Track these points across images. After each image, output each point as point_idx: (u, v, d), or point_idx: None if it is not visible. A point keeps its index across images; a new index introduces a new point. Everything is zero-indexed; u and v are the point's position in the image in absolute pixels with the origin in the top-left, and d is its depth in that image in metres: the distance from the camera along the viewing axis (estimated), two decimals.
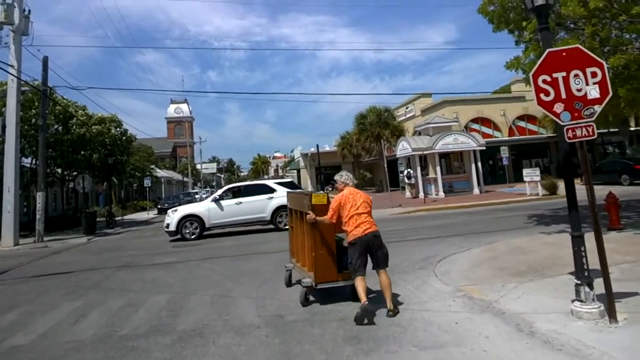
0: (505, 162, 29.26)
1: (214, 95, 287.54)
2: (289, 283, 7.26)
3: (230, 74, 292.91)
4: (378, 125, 37.02)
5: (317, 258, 5.94)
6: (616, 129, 34.09)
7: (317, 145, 35.07)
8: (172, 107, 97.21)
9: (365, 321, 5.00)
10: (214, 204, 15.75)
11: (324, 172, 50.94)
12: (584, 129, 4.63)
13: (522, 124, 36.40)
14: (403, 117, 41.31)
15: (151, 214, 35.89)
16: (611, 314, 4.44)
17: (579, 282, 4.69)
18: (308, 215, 5.91)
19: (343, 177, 6.02)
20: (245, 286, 7.48)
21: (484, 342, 4.24)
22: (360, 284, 5.32)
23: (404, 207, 21.23)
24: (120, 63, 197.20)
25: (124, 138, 27.07)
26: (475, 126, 34.69)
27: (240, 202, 15.80)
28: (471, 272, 7.57)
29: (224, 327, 5.19)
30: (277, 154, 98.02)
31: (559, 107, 4.72)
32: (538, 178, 21.83)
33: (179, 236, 15.33)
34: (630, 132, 30.72)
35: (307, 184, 50.50)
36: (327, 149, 51.69)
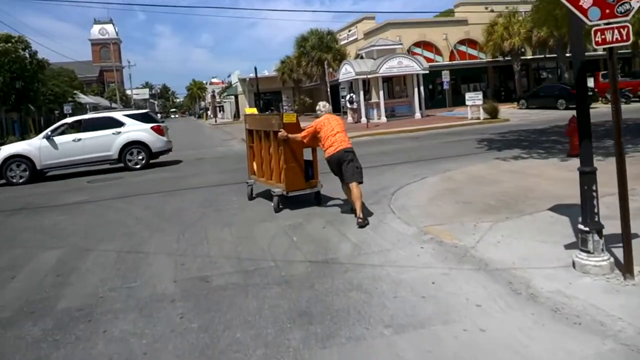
0: (446, 87, 28.72)
1: (141, 15, 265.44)
2: (251, 197, 7.93)
3: None
4: (320, 49, 34.70)
5: (288, 170, 6.70)
6: (553, 55, 34.20)
7: (255, 69, 32.00)
8: (96, 27, 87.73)
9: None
10: (45, 142, 13.07)
11: (264, 97, 48.51)
12: (616, 31, 3.40)
13: (463, 48, 35.60)
14: (345, 41, 39.17)
15: None
16: (629, 268, 3.52)
17: (586, 228, 3.69)
18: (280, 133, 6.50)
19: (322, 106, 6.77)
20: (165, 234, 6.08)
21: (477, 315, 3.19)
22: (346, 190, 6.34)
23: (347, 132, 20.08)
24: None
25: (34, 61, 23.38)
26: (418, 50, 33.46)
27: (80, 139, 13.23)
28: (433, 207, 6.59)
29: (125, 302, 3.81)
30: (214, 80, 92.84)
31: (587, 1, 3.43)
32: (480, 102, 21.24)
33: (3, 181, 12.71)
34: (567, 58, 30.69)
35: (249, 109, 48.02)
36: (267, 74, 48.88)
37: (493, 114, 20.97)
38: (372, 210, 6.60)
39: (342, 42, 38.51)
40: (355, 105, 25.08)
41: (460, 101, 32.89)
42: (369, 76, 23.01)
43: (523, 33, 30.40)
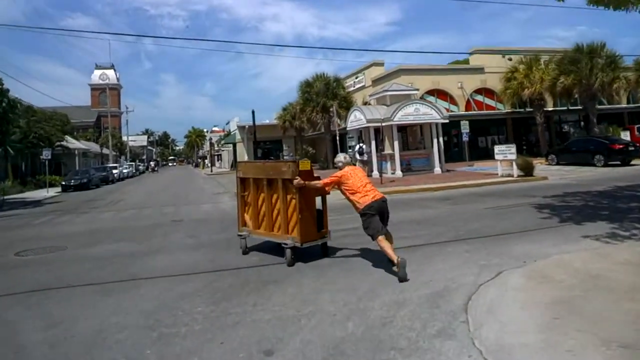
0: (465, 138, 26.12)
1: (145, 61, 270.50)
2: (245, 251, 7.37)
3: (167, 43, 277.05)
4: (325, 95, 32.52)
5: (302, 220, 6.35)
6: (578, 107, 31.89)
7: (253, 113, 28.30)
8: (97, 72, 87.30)
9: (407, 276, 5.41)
10: None
11: (263, 147, 46.00)
12: None
13: (479, 98, 33.37)
14: (352, 88, 37.09)
15: (52, 192, 29.63)
16: None
17: None
18: (296, 181, 6.21)
19: (343, 158, 6.45)
20: None
21: None
22: (384, 244, 5.72)
23: None
24: (46, 24, 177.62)
25: (5, 100, 20.55)
26: (431, 98, 31.13)
27: None
28: (561, 351, 3.48)
29: None
30: (215, 128, 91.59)
31: None
32: (514, 157, 18.38)
33: None
34: (597, 110, 28.26)
35: (244, 159, 45.43)
36: (267, 122, 46.55)
37: (527, 170, 18.10)
38: (445, 353, 3.51)
39: (349, 90, 36.40)
40: (365, 157, 22.23)
41: (477, 155, 30.27)
42: (383, 124, 20.30)
43: (547, 81, 28.11)
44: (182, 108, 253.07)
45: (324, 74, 33.69)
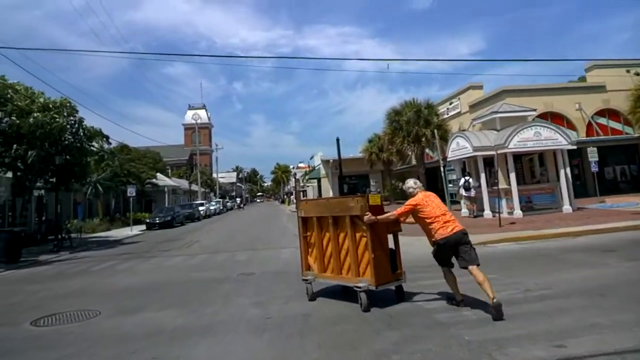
0: (594, 169, 21.69)
1: (238, 107, 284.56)
2: (312, 297, 6.79)
3: (255, 85, 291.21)
4: (416, 124, 29.32)
5: (376, 260, 5.86)
6: None
7: (338, 141, 24.77)
8: (190, 113, 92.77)
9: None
10: None
11: (349, 182, 43.49)
12: None
13: (602, 120, 28.32)
14: (446, 115, 33.57)
15: (136, 231, 29.11)
16: None
17: None
18: (367, 216, 5.81)
19: (413, 183, 6.07)
20: None
21: None
22: (450, 278, 5.62)
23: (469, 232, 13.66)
24: (147, 73, 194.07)
25: (81, 130, 19.65)
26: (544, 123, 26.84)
27: None
28: None
29: None
30: (301, 165, 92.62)
31: None
32: None
33: None
34: None
35: (329, 195, 43.19)
36: (352, 156, 44.20)
37: None
38: None
39: (442, 117, 32.92)
40: (472, 193, 18.68)
41: (605, 188, 25.24)
42: (498, 152, 16.72)
43: None
44: (269, 146, 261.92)
45: (413, 100, 30.50)
